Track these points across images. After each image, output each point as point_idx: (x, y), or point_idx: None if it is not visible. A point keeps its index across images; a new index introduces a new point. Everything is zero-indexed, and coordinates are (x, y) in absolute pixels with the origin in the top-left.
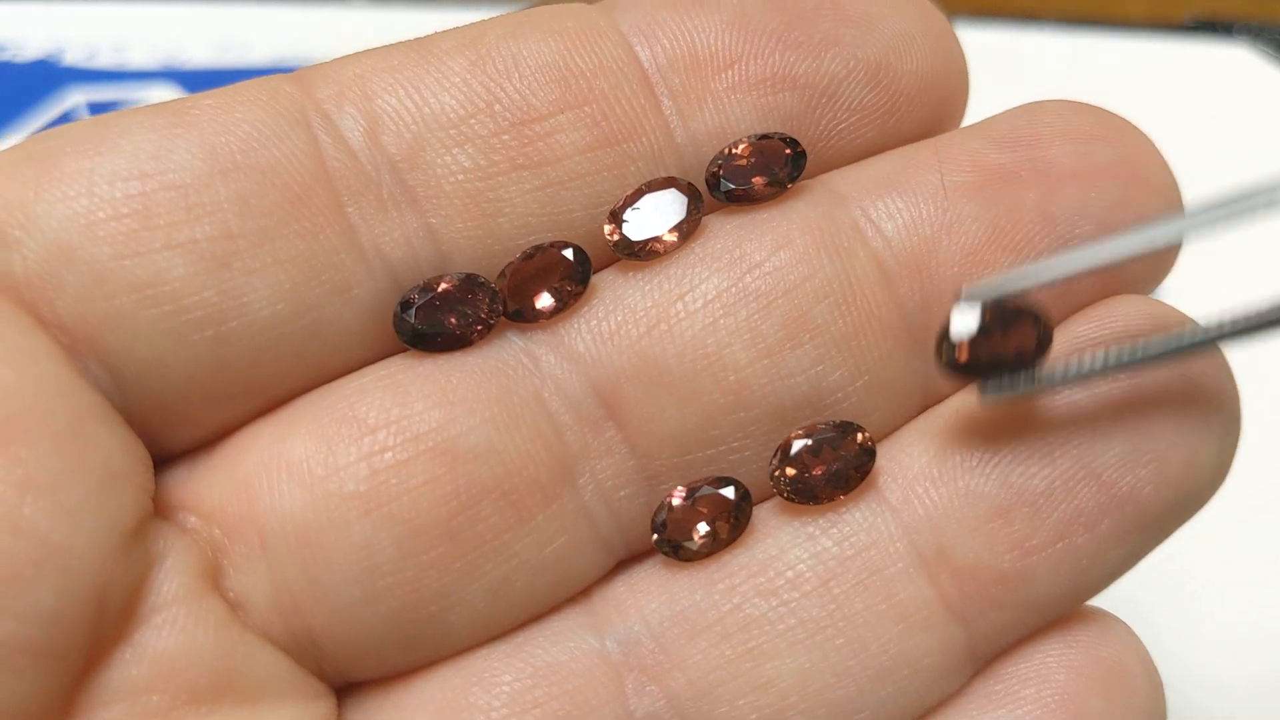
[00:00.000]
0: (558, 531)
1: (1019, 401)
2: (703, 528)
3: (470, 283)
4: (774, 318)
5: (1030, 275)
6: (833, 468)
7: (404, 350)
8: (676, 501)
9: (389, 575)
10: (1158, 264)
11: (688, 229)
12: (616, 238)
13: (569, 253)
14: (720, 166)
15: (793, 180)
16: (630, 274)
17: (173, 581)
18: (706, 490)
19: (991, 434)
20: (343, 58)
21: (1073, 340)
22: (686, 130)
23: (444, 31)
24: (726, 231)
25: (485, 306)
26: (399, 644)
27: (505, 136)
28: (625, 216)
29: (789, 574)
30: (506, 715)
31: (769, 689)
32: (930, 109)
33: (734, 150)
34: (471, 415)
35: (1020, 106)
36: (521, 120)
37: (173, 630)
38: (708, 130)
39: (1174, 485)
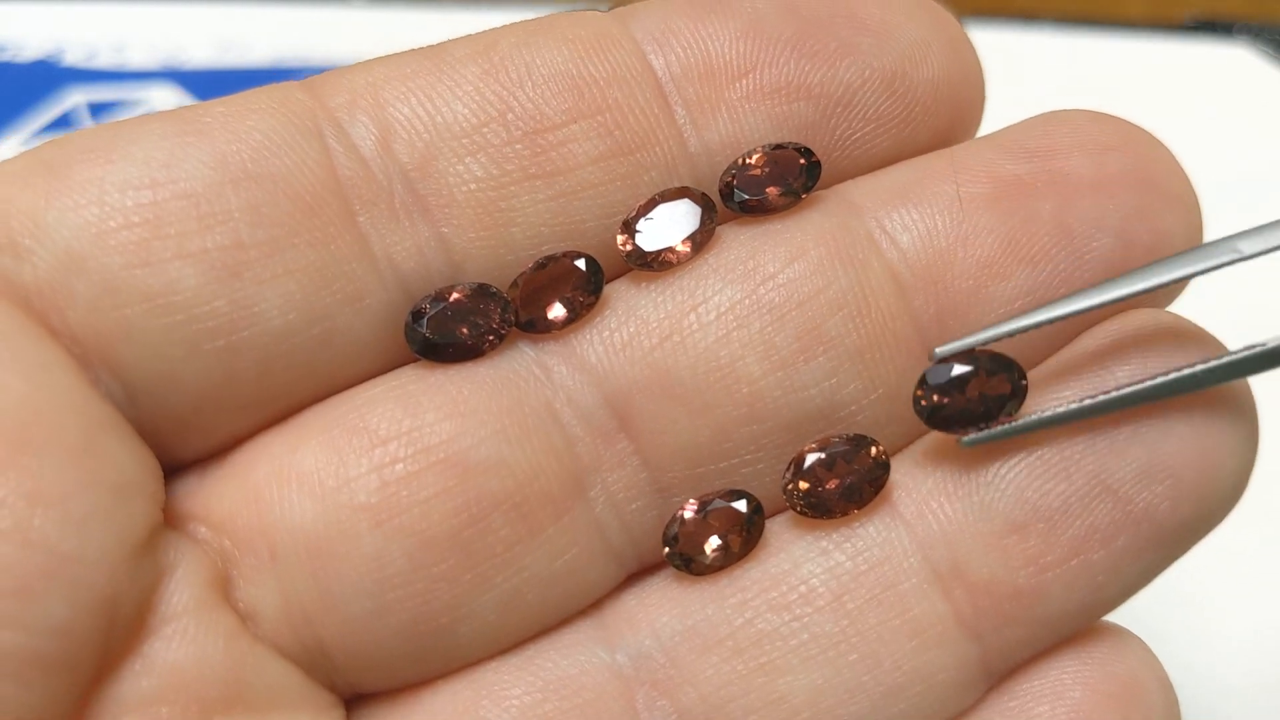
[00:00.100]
0: (569, 544)
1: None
2: (715, 541)
3: (482, 293)
4: (788, 330)
5: (1004, 326)
6: (846, 482)
7: (415, 360)
8: (688, 514)
9: (400, 587)
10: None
11: (701, 240)
12: (629, 248)
13: (581, 263)
14: (734, 176)
15: (807, 190)
16: (643, 285)
17: (183, 592)
18: (719, 503)
19: (1006, 449)
20: (354, 65)
21: (1085, 353)
22: (700, 140)
23: (456, 39)
24: (740, 242)
25: (497, 317)
26: (409, 656)
27: (518, 146)
28: (638, 227)
29: (802, 588)
30: None
31: (781, 705)
32: (946, 117)
33: (748, 160)
34: (483, 427)
35: (1036, 116)
36: (534, 129)
37: (183, 641)
38: (721, 140)
39: (1191, 501)
